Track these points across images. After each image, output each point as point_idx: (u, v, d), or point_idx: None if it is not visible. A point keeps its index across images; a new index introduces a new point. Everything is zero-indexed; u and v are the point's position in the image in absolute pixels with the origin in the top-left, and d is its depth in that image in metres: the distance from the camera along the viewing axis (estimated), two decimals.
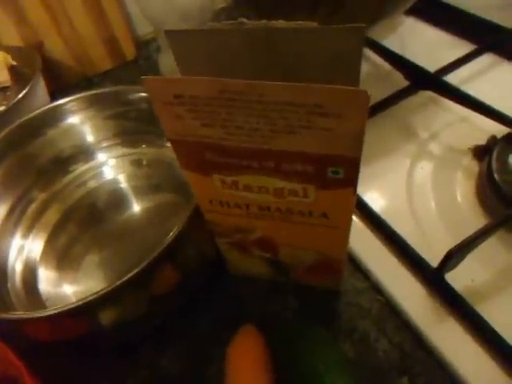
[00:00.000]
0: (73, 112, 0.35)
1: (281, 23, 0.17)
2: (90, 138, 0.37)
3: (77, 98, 0.35)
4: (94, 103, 0.35)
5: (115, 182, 0.40)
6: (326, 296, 0.30)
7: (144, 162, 0.39)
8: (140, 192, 0.40)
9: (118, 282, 0.24)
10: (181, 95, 0.16)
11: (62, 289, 0.34)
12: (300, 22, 0.17)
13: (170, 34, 0.18)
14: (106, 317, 0.27)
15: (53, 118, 0.35)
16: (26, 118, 0.34)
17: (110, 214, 0.39)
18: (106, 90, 0.35)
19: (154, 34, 0.62)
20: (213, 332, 0.30)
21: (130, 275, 0.25)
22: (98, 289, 0.32)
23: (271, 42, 0.17)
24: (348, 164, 0.17)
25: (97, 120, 0.36)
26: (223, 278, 0.32)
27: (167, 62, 0.36)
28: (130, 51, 0.60)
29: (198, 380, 0.28)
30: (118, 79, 0.58)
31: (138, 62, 0.60)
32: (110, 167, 0.39)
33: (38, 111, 0.34)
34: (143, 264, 0.25)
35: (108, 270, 0.36)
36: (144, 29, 0.63)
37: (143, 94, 0.34)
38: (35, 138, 0.35)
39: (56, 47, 0.54)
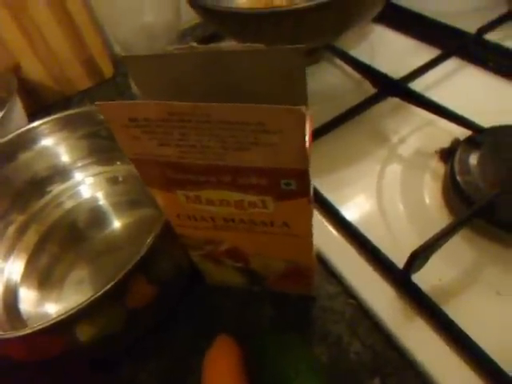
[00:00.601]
0: (46, 134, 0.36)
1: (230, 46, 0.18)
2: (64, 158, 0.37)
3: (49, 120, 0.35)
4: (67, 124, 0.35)
5: (93, 200, 0.40)
6: (301, 302, 0.31)
7: (120, 179, 0.39)
8: (119, 208, 0.40)
9: (93, 298, 0.25)
10: (135, 118, 0.17)
11: (44, 308, 0.35)
12: (247, 44, 0.18)
13: (126, 59, 0.19)
14: (84, 333, 0.28)
15: (27, 140, 0.35)
16: (3, 140, 0.34)
17: (90, 232, 0.39)
18: (78, 110, 0.35)
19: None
20: (192, 343, 0.30)
21: (103, 290, 0.25)
22: None
23: (221, 64, 0.18)
24: (298, 176, 0.18)
25: (71, 140, 0.36)
26: (200, 288, 0.33)
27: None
28: (107, 69, 0.61)
29: None
30: (96, 97, 0.59)
31: (116, 80, 0.61)
32: (87, 186, 0.39)
33: (11, 135, 0.34)
34: (116, 278, 0.25)
35: (91, 287, 0.36)
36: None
37: None
38: (10, 162, 0.35)
39: (33, 68, 0.55)
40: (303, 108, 0.14)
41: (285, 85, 0.18)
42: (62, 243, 0.39)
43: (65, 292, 0.36)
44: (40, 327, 0.25)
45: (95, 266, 0.38)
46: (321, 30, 0.36)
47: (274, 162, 0.17)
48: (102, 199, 0.40)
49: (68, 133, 0.36)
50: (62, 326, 0.25)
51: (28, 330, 0.25)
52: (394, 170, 0.37)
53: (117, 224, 0.40)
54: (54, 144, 0.36)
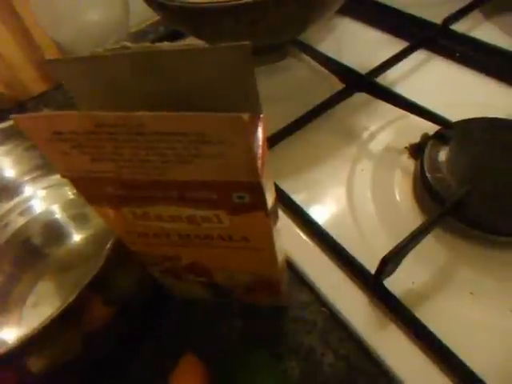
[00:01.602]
0: None
1: (165, 45, 0.16)
2: (10, 172, 0.34)
3: None
4: (11, 135, 0.33)
5: (48, 213, 0.37)
6: (271, 313, 0.29)
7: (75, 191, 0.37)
8: (78, 221, 0.38)
9: (41, 326, 0.23)
10: (60, 132, 0.15)
11: (3, 334, 0.32)
12: (188, 42, 0.16)
13: (52, 64, 0.17)
14: (36, 363, 0.25)
15: None
16: None
17: (48, 248, 0.37)
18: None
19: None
20: (155, 363, 0.28)
21: (52, 316, 0.23)
22: None
23: (159, 65, 0.16)
24: (250, 189, 0.16)
25: (15, 152, 0.33)
26: (165, 303, 0.31)
27: None
28: None
29: None
30: (53, 102, 0.56)
31: None
32: (39, 199, 0.37)
33: None
34: (66, 302, 0.23)
35: (54, 308, 0.34)
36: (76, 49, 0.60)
37: None
38: None
39: None
40: (245, 115, 0.13)
41: (232, 87, 0.16)
42: (17, 263, 0.36)
43: (25, 315, 0.33)
44: None
45: (57, 283, 0.35)
46: (283, 25, 0.34)
47: (222, 174, 0.15)
48: (57, 212, 0.38)
49: (13, 144, 0.33)
50: (9, 360, 0.23)
51: None
52: (364, 167, 0.36)
53: (76, 237, 0.38)
54: None
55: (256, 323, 0.29)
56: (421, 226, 0.27)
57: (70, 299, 0.23)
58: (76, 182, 0.18)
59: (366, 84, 0.38)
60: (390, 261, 0.25)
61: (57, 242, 0.37)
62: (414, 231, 0.26)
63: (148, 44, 0.16)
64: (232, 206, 0.17)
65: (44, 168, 0.35)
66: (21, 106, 0.55)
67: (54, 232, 0.37)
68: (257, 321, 0.29)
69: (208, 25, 0.34)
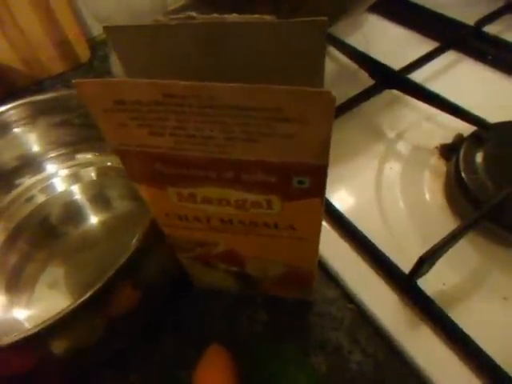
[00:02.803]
0: (16, 120, 0.32)
1: (234, 17, 0.15)
2: (36, 148, 0.34)
3: (19, 105, 0.31)
4: (40, 110, 0.32)
5: (68, 194, 0.37)
6: (297, 307, 0.29)
7: (99, 171, 0.36)
8: (96, 203, 0.37)
9: (69, 309, 0.22)
10: (122, 101, 0.14)
11: (13, 314, 0.31)
12: (256, 15, 0.15)
13: (110, 31, 0.16)
14: (58, 346, 0.25)
15: None
16: None
17: (65, 229, 0.36)
18: (52, 95, 0.31)
19: None
20: (179, 353, 0.28)
21: (81, 300, 0.22)
22: (55, 311, 0.30)
23: (223, 38, 0.15)
24: (314, 173, 0.15)
25: (44, 128, 0.32)
26: (188, 292, 0.30)
27: (117, 62, 0.33)
28: (83, 53, 0.57)
29: None
30: (70, 83, 0.55)
31: (93, 64, 0.57)
32: (60, 178, 0.36)
33: None
34: (98, 285, 0.22)
35: (65, 289, 0.33)
36: (99, 29, 0.59)
37: None
38: None
39: (1, 50, 0.50)
40: (331, 92, 0.12)
41: (297, 66, 0.15)
42: (33, 241, 0.35)
43: (36, 295, 0.32)
44: (8, 342, 0.22)
45: (70, 265, 0.34)
46: (320, 13, 0.34)
47: (288, 156, 0.15)
48: (77, 193, 0.37)
49: (40, 120, 0.32)
50: (34, 341, 0.23)
51: None
52: (393, 166, 0.35)
53: (94, 220, 0.37)
54: (23, 132, 0.32)
55: (281, 317, 0.29)
56: (457, 229, 0.26)
57: (102, 282, 0.23)
58: (126, 156, 0.17)
59: (398, 81, 0.38)
60: (427, 261, 0.25)
61: (74, 223, 0.36)
62: (450, 233, 0.25)
63: (215, 15, 0.16)
64: (288, 191, 0.17)
65: (70, 146, 0.34)
66: (38, 85, 0.54)
67: (71, 213, 0.37)
68: (282, 314, 0.29)
69: (247, 12, 0.34)
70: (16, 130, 0.32)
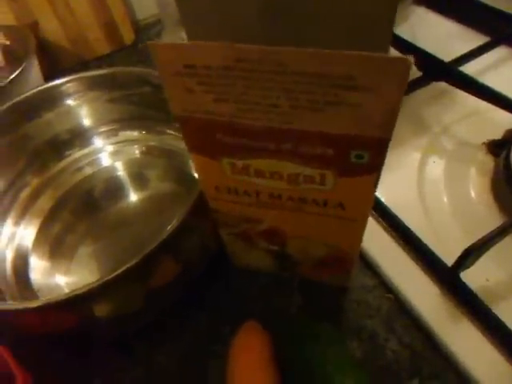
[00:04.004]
0: (70, 94, 0.33)
1: None
2: (87, 121, 0.35)
3: (75, 79, 0.32)
4: (94, 85, 0.33)
5: (112, 169, 0.38)
6: (333, 293, 0.29)
7: (143, 149, 0.37)
8: (137, 180, 0.38)
9: (114, 274, 0.23)
10: (192, 65, 0.15)
11: (54, 279, 0.33)
12: None
13: (180, 1, 0.17)
14: (99, 310, 0.26)
15: (49, 99, 0.33)
16: (20, 97, 0.32)
17: (105, 203, 0.37)
18: (107, 71, 0.32)
19: (155, 16, 0.60)
20: (212, 327, 0.28)
21: (126, 267, 0.23)
22: (91, 280, 0.31)
23: (287, 5, 0.15)
24: (376, 147, 0.15)
25: (96, 103, 0.34)
26: (224, 270, 0.30)
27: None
28: (128, 35, 0.58)
29: (197, 377, 0.26)
30: (115, 64, 0.56)
31: (137, 47, 0.58)
32: (107, 153, 0.37)
33: (33, 91, 0.32)
34: (141, 255, 0.23)
35: (102, 260, 0.34)
36: (144, 13, 0.60)
37: (146, 78, 0.31)
38: (30, 120, 0.32)
39: (51, 28, 0.52)
40: (410, 58, 0.12)
41: (361, 34, 0.15)
42: (75, 212, 0.36)
43: (75, 264, 0.34)
44: (56, 300, 0.23)
45: (107, 239, 0.35)
46: None
47: (352, 127, 0.15)
48: (121, 169, 0.38)
49: (94, 94, 0.33)
50: (79, 301, 0.24)
51: (44, 302, 0.23)
52: (437, 160, 0.35)
53: (133, 197, 0.38)
54: (77, 105, 0.33)
55: (316, 300, 0.29)
56: (505, 223, 0.25)
57: (144, 252, 0.23)
58: (187, 124, 0.17)
59: (447, 73, 0.37)
60: (472, 254, 0.24)
61: (114, 198, 0.37)
62: (499, 227, 0.25)
63: None
64: (345, 166, 0.17)
65: (117, 123, 0.35)
66: (83, 65, 0.56)
67: (113, 188, 0.38)
68: (317, 298, 0.29)
69: None
70: (69, 103, 0.33)
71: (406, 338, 0.26)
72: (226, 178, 0.20)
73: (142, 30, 0.60)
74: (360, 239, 0.22)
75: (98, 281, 0.22)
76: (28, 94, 0.32)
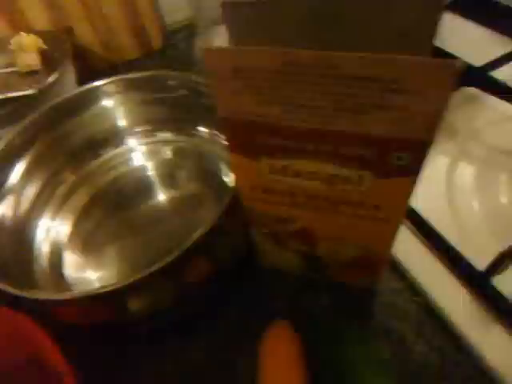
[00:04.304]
0: (108, 94, 0.34)
1: None
2: (122, 122, 0.36)
3: (114, 81, 0.34)
4: (132, 87, 0.34)
5: (143, 169, 0.39)
6: (360, 295, 0.29)
7: (175, 150, 0.38)
8: (167, 181, 0.39)
9: (150, 270, 0.23)
10: (241, 68, 0.15)
11: (86, 274, 0.34)
12: None
13: (227, 6, 0.17)
14: (134, 304, 0.27)
15: (88, 99, 0.34)
16: (61, 98, 0.33)
17: (135, 202, 0.38)
18: (146, 73, 0.34)
19: (183, 22, 0.61)
20: (242, 325, 0.29)
21: (161, 264, 0.23)
22: (120, 276, 0.32)
23: (337, 13, 0.16)
24: (417, 149, 0.16)
25: (132, 104, 0.35)
26: (252, 270, 0.31)
27: (202, 45, 0.35)
28: (157, 40, 0.59)
29: (226, 373, 0.27)
30: (143, 68, 0.57)
31: (165, 52, 0.60)
32: (139, 153, 0.38)
33: (74, 92, 0.33)
34: (176, 254, 0.24)
35: (131, 257, 0.35)
36: (172, 18, 0.62)
37: (183, 81, 0.32)
38: (69, 119, 0.34)
39: (84, 33, 0.54)
40: (458, 62, 0.12)
41: (406, 41, 0.15)
42: (107, 209, 0.38)
43: (105, 260, 0.35)
44: (94, 292, 0.24)
45: (136, 237, 0.36)
46: None
47: (396, 129, 0.15)
48: (151, 169, 0.39)
49: (131, 96, 0.34)
50: (115, 295, 0.24)
51: (84, 293, 0.24)
52: (465, 166, 0.34)
53: (162, 196, 0.39)
54: (114, 106, 0.35)
55: (343, 302, 0.29)
56: None
57: (180, 250, 0.24)
58: (231, 125, 0.18)
59: (478, 78, 0.37)
60: (506, 259, 0.24)
61: (144, 197, 0.38)
62: None
63: None
64: (384, 168, 0.17)
65: (152, 124, 0.36)
66: (113, 69, 0.57)
67: (143, 187, 0.39)
68: (344, 300, 0.29)
69: None
70: (107, 104, 0.35)
71: (435, 342, 0.26)
72: (263, 178, 0.21)
73: (171, 34, 0.62)
74: (392, 241, 0.23)
75: (134, 276, 0.23)
76: (68, 95, 0.33)
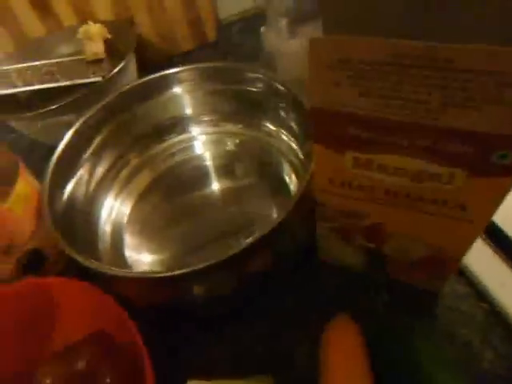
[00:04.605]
0: (179, 82, 0.35)
1: None
2: (189, 110, 0.37)
3: (186, 69, 0.35)
4: (202, 76, 0.35)
5: (201, 158, 0.40)
6: (423, 296, 0.28)
7: (236, 142, 0.38)
8: (223, 172, 0.39)
9: (215, 261, 0.24)
10: (347, 59, 0.15)
11: (142, 256, 0.35)
12: None
13: None
14: (197, 289, 0.27)
15: (157, 87, 0.35)
16: (131, 85, 0.34)
17: (190, 189, 0.39)
18: (218, 64, 0.34)
19: (237, 15, 0.62)
20: (299, 316, 0.29)
21: (228, 255, 0.24)
22: (172, 261, 0.33)
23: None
24: None
25: (201, 93, 0.36)
26: (313, 263, 0.31)
27: (272, 37, 0.35)
28: (211, 33, 0.60)
29: (282, 360, 0.27)
30: (198, 60, 0.58)
31: (219, 44, 0.60)
32: (200, 142, 0.39)
33: (144, 79, 0.34)
34: (243, 246, 0.24)
35: (184, 242, 0.35)
36: (226, 11, 0.63)
37: (256, 75, 0.33)
38: (138, 105, 0.35)
39: (143, 24, 0.55)
40: None
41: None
42: (165, 194, 0.38)
43: (161, 243, 0.35)
44: (165, 275, 0.25)
45: (189, 223, 0.37)
46: None
47: (506, 127, 0.15)
48: (208, 159, 0.40)
49: (201, 85, 0.35)
50: (179, 280, 0.25)
51: (154, 274, 0.25)
52: None
53: (218, 186, 0.39)
54: (183, 93, 0.36)
55: (405, 303, 0.28)
56: None
57: (245, 245, 0.24)
58: (322, 115, 0.18)
59: None
60: None
61: (201, 185, 0.39)
62: None
63: None
64: (483, 166, 0.17)
65: (217, 115, 0.37)
66: (169, 60, 0.59)
67: (199, 176, 0.39)
68: (406, 300, 0.28)
69: None
70: (177, 91, 0.35)
71: (502, 350, 0.25)
72: (345, 172, 0.21)
73: (225, 27, 0.62)
74: (471, 244, 0.22)
75: (196, 265, 0.23)
76: (139, 81, 0.35)
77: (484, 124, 0.15)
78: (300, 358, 0.27)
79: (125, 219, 0.37)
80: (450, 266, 0.25)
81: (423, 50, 0.14)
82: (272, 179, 0.36)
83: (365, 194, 0.22)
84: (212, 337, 0.29)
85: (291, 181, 0.36)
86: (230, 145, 0.38)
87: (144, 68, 0.52)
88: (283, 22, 0.31)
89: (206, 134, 0.38)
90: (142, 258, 0.35)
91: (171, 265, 0.33)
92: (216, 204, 0.38)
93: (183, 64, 0.57)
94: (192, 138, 0.39)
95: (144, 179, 0.38)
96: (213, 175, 0.40)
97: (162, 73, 0.35)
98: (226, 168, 0.39)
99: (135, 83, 0.34)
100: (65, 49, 0.50)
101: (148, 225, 0.37)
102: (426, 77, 0.15)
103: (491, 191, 0.18)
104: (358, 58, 0.15)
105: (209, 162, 0.40)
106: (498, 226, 0.29)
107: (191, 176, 0.39)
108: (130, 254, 0.35)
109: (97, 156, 0.35)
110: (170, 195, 0.38)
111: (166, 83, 0.35)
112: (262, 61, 0.51)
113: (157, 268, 0.34)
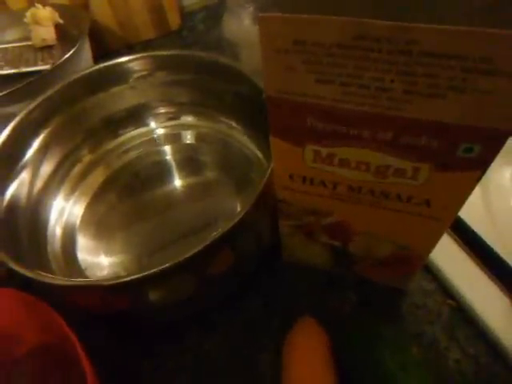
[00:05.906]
0: (132, 72, 0.32)
1: None
2: (144, 101, 0.34)
3: (141, 57, 0.32)
4: (158, 65, 0.32)
5: (161, 152, 0.37)
6: (390, 294, 0.28)
7: (196, 135, 0.36)
8: (185, 166, 0.37)
9: (170, 264, 0.22)
10: (303, 41, 0.14)
11: (99, 258, 0.32)
12: None
13: None
14: (153, 295, 0.25)
15: (109, 76, 0.32)
16: (80, 74, 0.31)
17: (150, 186, 0.37)
18: (173, 52, 0.32)
19: (200, 3, 0.59)
20: (263, 320, 0.28)
21: (185, 257, 0.22)
22: (133, 262, 0.30)
23: None
24: (493, 140, 0.14)
25: (157, 84, 0.33)
26: (275, 264, 0.30)
27: (234, 26, 0.33)
28: (174, 21, 0.57)
29: (244, 369, 0.26)
30: (160, 49, 0.55)
31: (182, 33, 0.58)
32: (158, 136, 0.36)
33: (95, 67, 0.31)
34: (202, 245, 0.22)
35: (143, 244, 0.33)
36: None
37: (213, 63, 0.30)
38: (88, 96, 0.32)
39: (101, 10, 0.52)
40: None
41: (495, 14, 0.14)
42: (121, 192, 0.36)
43: (117, 245, 0.33)
44: (114, 282, 0.22)
45: (149, 222, 0.35)
46: None
47: (472, 117, 0.14)
48: (169, 154, 0.37)
49: (157, 75, 0.32)
50: (133, 286, 0.23)
51: (104, 282, 0.23)
52: (503, 164, 0.33)
53: (179, 182, 0.37)
54: (137, 84, 0.33)
55: (372, 301, 0.28)
56: None
57: (204, 244, 0.22)
58: (278, 105, 0.17)
59: None
60: None
61: (160, 181, 0.37)
62: None
63: None
64: (447, 160, 0.16)
65: (176, 107, 0.35)
66: (129, 48, 0.56)
67: (160, 171, 0.37)
68: (373, 299, 0.28)
69: None
70: (132, 81, 0.33)
71: (469, 349, 0.25)
72: (305, 167, 0.19)
73: (188, 15, 0.60)
74: (437, 241, 0.21)
75: (156, 268, 0.22)
76: (88, 70, 0.31)
77: (449, 114, 0.14)
78: (265, 365, 0.26)
79: (78, 221, 0.34)
80: (417, 263, 0.24)
81: (388, 29, 0.12)
82: (236, 174, 0.35)
83: (327, 190, 0.20)
84: (173, 343, 0.27)
85: (256, 175, 0.34)
86: (191, 138, 0.36)
87: (103, 57, 0.48)
88: (246, 10, 0.29)
89: (164, 127, 0.36)
90: (99, 261, 0.32)
91: (131, 267, 0.30)
92: (177, 202, 0.36)
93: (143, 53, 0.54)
94: (149, 132, 0.36)
95: (98, 177, 0.35)
96: (173, 171, 0.38)
97: (115, 61, 0.32)
98: (188, 162, 0.37)
99: (86, 72, 0.32)
100: (11, 34, 0.46)
101: (104, 226, 0.34)
102: (387, 61, 0.13)
103: (456, 186, 0.17)
104: (314, 39, 0.14)
105: (168, 157, 0.37)
106: (463, 221, 0.28)
107: (150, 172, 0.37)
108: (85, 257, 0.32)
109: (43, 152, 0.31)
110: (127, 194, 0.36)
111: (119, 72, 0.32)
112: (227, 50, 0.49)
113: (116, 270, 0.31)
